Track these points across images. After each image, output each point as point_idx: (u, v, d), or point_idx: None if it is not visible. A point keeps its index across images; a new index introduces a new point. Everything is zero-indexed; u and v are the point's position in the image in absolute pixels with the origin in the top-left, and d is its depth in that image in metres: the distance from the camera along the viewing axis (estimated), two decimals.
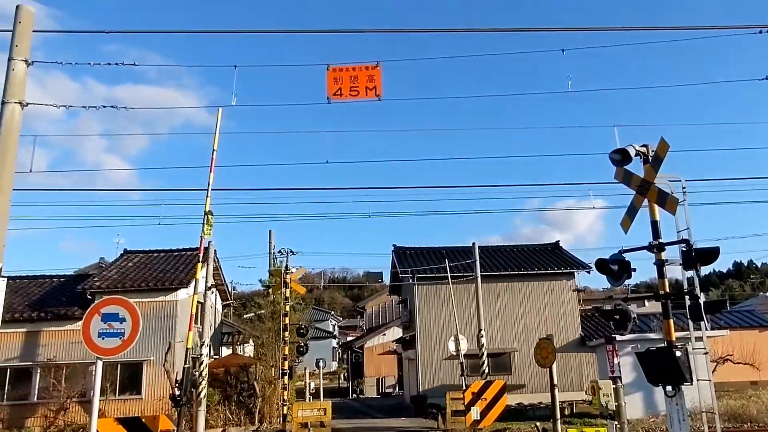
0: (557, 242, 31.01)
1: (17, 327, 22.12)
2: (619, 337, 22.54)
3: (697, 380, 6.69)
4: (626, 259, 7.09)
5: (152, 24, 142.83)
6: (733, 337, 23.73)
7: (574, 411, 22.01)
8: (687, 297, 6.59)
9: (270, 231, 33.94)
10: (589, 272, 27.85)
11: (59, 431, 20.62)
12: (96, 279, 24.02)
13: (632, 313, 6.90)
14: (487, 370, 21.50)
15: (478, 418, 18.16)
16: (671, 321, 6.85)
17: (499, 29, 10.13)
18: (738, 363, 23.49)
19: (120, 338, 8.00)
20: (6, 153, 8.12)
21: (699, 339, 7.70)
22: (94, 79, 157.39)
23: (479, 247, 24.57)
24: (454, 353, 21.48)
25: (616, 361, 6.40)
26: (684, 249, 6.55)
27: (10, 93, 8.29)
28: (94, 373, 22.56)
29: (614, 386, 6.25)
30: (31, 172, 13.25)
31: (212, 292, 24.54)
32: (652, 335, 20.42)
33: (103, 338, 8.01)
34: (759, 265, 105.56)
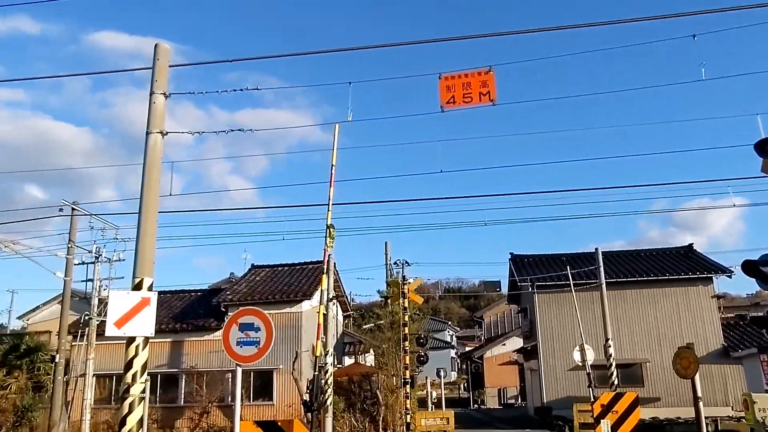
0: (691, 245, 29.00)
1: (164, 337, 24.01)
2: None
3: None
4: None
5: (269, 49, 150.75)
6: None
7: (719, 428, 20.34)
8: None
9: (386, 243, 34.49)
10: (730, 276, 25.74)
11: None
12: (228, 293, 25.55)
13: None
14: (616, 382, 20.49)
15: (609, 431, 17.27)
16: None
17: (615, 21, 9.67)
18: None
19: (256, 346, 8.43)
20: (151, 178, 8.83)
21: None
22: (216, 107, 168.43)
23: (603, 252, 23.54)
24: (580, 364, 20.64)
25: None
26: None
27: (153, 124, 9.01)
28: (231, 379, 23.83)
29: None
30: (170, 195, 14.35)
31: (334, 304, 25.31)
32: None
33: (241, 346, 8.47)
34: None
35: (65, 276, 23.25)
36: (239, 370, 8.45)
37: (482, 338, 56.73)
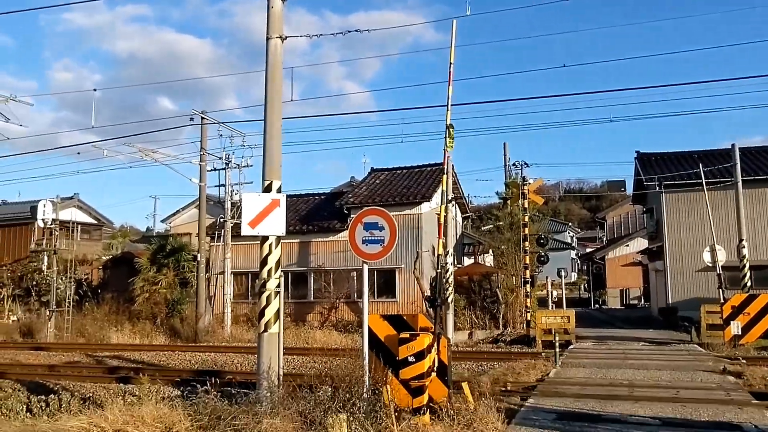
0: None
1: (292, 238, 25.77)
2: None
3: None
4: None
5: None
6: None
7: None
8: None
9: (504, 144, 33.96)
10: None
11: (332, 325, 23.97)
12: (350, 196, 26.67)
13: None
14: (749, 284, 19.60)
15: (739, 333, 16.80)
16: None
17: None
18: None
19: (381, 245, 8.94)
20: (274, 83, 9.19)
21: None
22: (329, 10, 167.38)
23: (740, 148, 21.81)
24: (710, 264, 19.85)
25: None
26: None
27: (272, 29, 9.21)
28: (358, 276, 25.28)
29: None
30: (291, 101, 14.93)
31: (453, 205, 25.69)
32: None
33: (366, 244, 9.02)
34: None
35: (200, 182, 25.31)
36: (365, 267, 9.06)
37: (604, 239, 55.47)
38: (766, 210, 24.09)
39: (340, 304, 24.82)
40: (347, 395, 7.27)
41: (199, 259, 24.95)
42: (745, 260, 19.74)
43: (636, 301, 40.50)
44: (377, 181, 28.13)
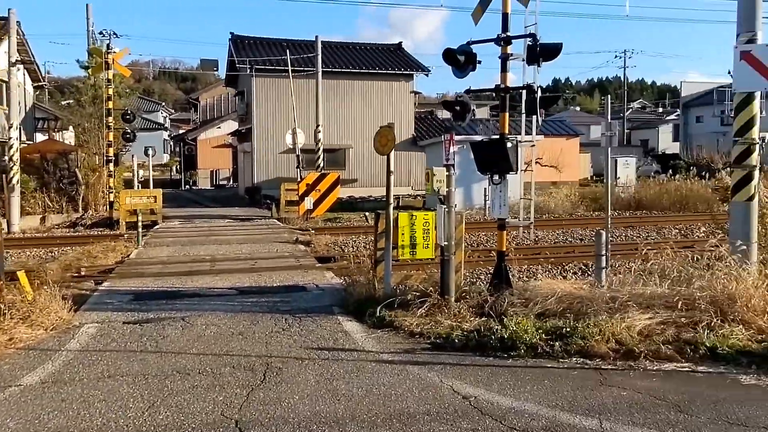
0: (399, 43, 30.79)
1: None
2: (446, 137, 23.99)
3: (522, 171, 7.28)
4: (473, 50, 7.07)
5: None
6: (544, 143, 26.22)
7: (401, 204, 23.67)
8: (525, 91, 6.82)
9: (87, 5, 29.62)
10: (427, 75, 28.52)
11: None
12: None
13: (471, 104, 7.05)
14: (322, 165, 22.01)
15: (311, 207, 18.87)
16: (506, 114, 7.13)
17: None
18: (545, 165, 26.36)
19: None
20: None
21: (527, 136, 8.25)
22: None
23: (322, 41, 23.67)
24: (291, 146, 21.48)
25: (452, 150, 6.60)
26: (530, 43, 6.62)
27: None
28: None
29: (447, 174, 6.48)
30: None
31: (18, 69, 21.41)
32: (477, 137, 21.79)
33: None
34: (573, 82, 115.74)
35: None
36: None
37: (198, 121, 55.16)
38: (339, 100, 27.11)
39: None
40: None
41: None
42: (320, 144, 21.97)
43: (225, 182, 42.07)
44: None
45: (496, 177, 7.07)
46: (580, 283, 8.21)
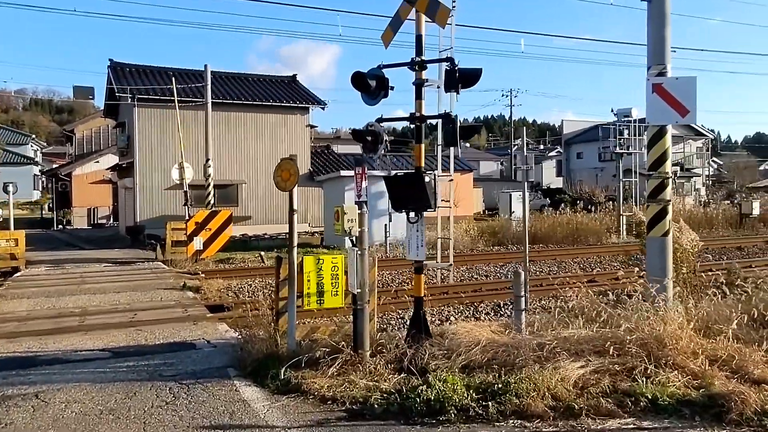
0: (294, 76, 30.05)
1: None
2: (344, 172, 23.33)
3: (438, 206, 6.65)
4: (384, 75, 6.41)
5: None
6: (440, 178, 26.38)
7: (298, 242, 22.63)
8: (443, 120, 6.23)
9: None
10: (323, 108, 27.76)
11: None
12: None
13: (384, 134, 6.35)
14: (213, 201, 20.59)
15: (201, 248, 17.41)
16: (422, 146, 6.50)
17: None
18: (442, 200, 26.36)
19: None
20: None
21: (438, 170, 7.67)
22: None
23: (212, 71, 22.43)
24: (178, 182, 19.92)
25: (364, 185, 5.84)
26: (448, 68, 6.05)
27: None
28: None
29: (359, 212, 5.70)
30: None
31: None
32: (377, 172, 21.31)
33: None
34: (462, 119, 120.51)
35: None
36: None
37: (73, 155, 51.17)
38: (231, 134, 25.80)
39: None
40: None
41: None
42: (210, 179, 20.55)
43: (105, 221, 38.89)
44: None
45: (412, 215, 6.39)
46: (500, 327, 7.68)
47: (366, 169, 6.28)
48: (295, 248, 6.72)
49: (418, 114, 6.39)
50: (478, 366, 6.11)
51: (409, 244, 6.51)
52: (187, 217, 18.17)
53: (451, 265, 7.45)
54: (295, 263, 6.62)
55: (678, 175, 46.54)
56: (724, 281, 7.96)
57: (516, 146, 72.10)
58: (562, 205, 30.32)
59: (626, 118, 25.20)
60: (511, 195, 27.40)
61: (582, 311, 7.33)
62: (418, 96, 6.44)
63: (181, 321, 8.91)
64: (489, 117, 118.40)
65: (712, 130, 65.78)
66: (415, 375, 5.85)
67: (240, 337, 7.49)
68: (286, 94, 27.79)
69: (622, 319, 6.52)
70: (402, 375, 5.91)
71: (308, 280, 6.75)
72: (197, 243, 17.27)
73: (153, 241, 20.76)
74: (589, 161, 51.95)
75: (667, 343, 6.04)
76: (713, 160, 63.67)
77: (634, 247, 20.46)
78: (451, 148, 6.71)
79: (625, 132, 25.60)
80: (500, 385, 5.39)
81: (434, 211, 6.46)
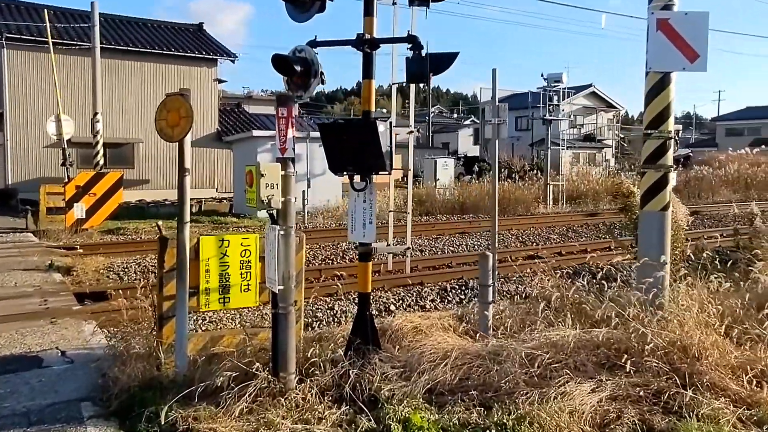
0: (200, 24, 26.89)
1: None
2: (256, 132, 20.83)
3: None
4: None
5: None
6: None
7: (203, 209, 20.14)
8: (408, 44, 4.33)
9: None
10: (233, 61, 25.01)
11: None
12: None
13: (320, 64, 4.37)
14: (103, 162, 17.75)
15: (83, 216, 14.70)
16: (372, 82, 4.59)
17: None
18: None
19: None
20: None
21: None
22: None
23: (101, 13, 19.21)
24: (56, 138, 16.87)
25: (290, 134, 3.89)
26: None
27: None
28: None
29: (283, 173, 3.74)
30: None
31: None
32: (270, 132, 18.97)
33: None
34: (377, 86, 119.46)
35: None
36: None
37: None
38: (125, 85, 22.66)
39: None
40: None
41: None
42: (99, 136, 17.65)
43: None
44: None
45: (357, 178, 4.51)
46: (454, 320, 6.07)
47: (293, 111, 4.31)
48: (188, 224, 4.66)
49: (368, 36, 4.46)
50: (448, 390, 4.42)
51: (353, 220, 4.62)
52: (66, 180, 15.33)
53: (408, 248, 5.64)
54: (187, 246, 4.59)
55: (591, 146, 47.09)
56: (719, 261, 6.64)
57: (433, 113, 71.20)
58: (479, 173, 29.28)
59: (557, 83, 24.21)
60: (436, 161, 25.92)
61: (559, 300, 5.81)
62: (368, 12, 4.50)
63: (34, 318, 6.61)
64: (404, 84, 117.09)
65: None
66: (363, 408, 4.08)
67: (108, 347, 5.34)
68: (192, 44, 24.76)
69: (629, 318, 4.99)
70: (343, 408, 4.12)
71: (207, 271, 4.75)
72: (78, 210, 14.54)
73: (28, 207, 17.69)
74: (505, 130, 51.56)
75: (695, 353, 4.57)
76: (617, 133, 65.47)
77: (565, 217, 19.71)
78: (412, 87, 4.80)
79: (555, 98, 24.63)
80: (493, 430, 3.70)
81: (389, 174, 4.59)
